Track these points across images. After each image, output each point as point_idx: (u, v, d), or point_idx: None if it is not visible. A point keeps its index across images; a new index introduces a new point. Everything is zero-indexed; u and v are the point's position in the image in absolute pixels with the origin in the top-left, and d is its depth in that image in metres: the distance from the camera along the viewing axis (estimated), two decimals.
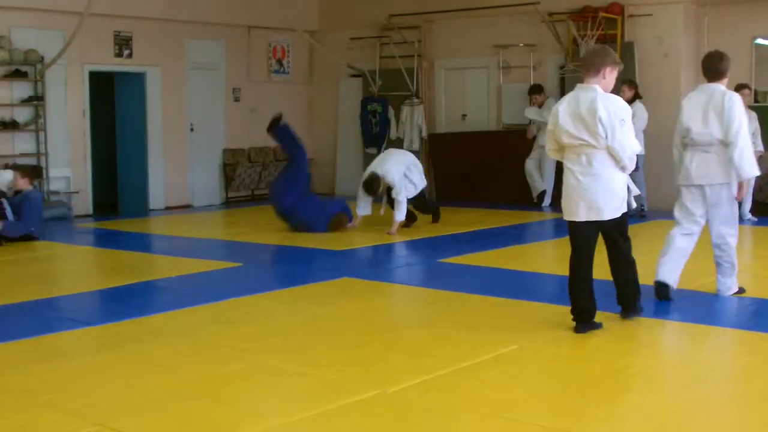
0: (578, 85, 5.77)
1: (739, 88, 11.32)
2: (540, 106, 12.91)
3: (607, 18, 12.52)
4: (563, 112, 5.69)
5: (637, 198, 11.71)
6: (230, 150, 14.66)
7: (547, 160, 12.94)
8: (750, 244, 10.24)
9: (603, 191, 5.68)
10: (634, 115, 11.32)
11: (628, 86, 11.51)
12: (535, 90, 12.97)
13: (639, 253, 9.58)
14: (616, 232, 5.91)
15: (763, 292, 7.01)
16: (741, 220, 11.22)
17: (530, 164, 13.04)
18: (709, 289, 7.14)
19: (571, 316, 5.76)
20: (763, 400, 4.45)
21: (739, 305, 6.74)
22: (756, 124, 11.28)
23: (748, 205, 11.41)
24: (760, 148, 11.41)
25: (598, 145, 5.63)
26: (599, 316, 6.10)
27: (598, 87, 5.64)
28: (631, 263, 6.03)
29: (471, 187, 13.94)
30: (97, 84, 13.44)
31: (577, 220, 5.75)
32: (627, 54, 12.53)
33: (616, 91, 11.53)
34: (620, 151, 5.63)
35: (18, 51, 12.04)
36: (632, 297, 5.95)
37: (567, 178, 5.80)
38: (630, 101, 11.46)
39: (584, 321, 5.69)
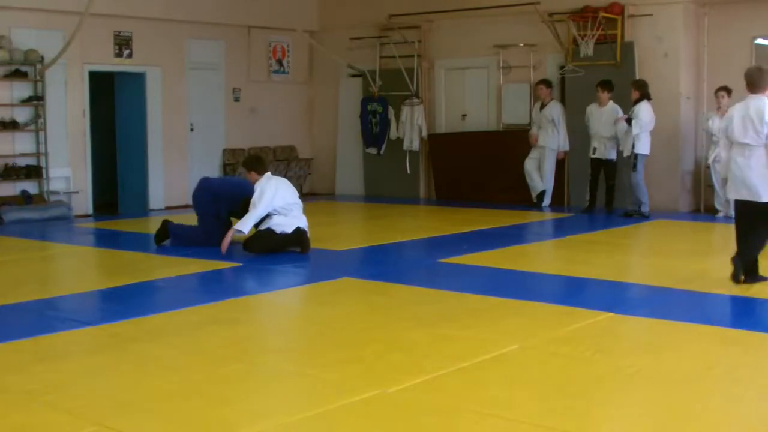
0: (749, 96, 7.18)
1: (717, 91, 11.48)
2: (544, 102, 12.92)
3: (607, 18, 12.52)
4: (737, 116, 7.17)
5: (636, 199, 11.84)
6: (230, 150, 14.67)
7: (547, 160, 12.96)
8: None
9: (760, 179, 7.09)
10: (636, 116, 11.47)
11: (635, 87, 11.56)
12: (545, 83, 13.00)
13: (640, 254, 9.63)
14: (764, 214, 7.17)
15: (762, 292, 7.01)
16: (730, 218, 11.36)
17: (529, 164, 13.04)
18: (709, 289, 7.14)
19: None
20: (763, 399, 4.45)
21: (739, 305, 6.75)
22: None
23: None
24: None
25: (758, 143, 7.07)
26: (594, 316, 6.12)
27: (765, 98, 7.08)
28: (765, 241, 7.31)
29: (471, 187, 13.95)
30: (97, 84, 13.44)
31: (740, 198, 7.27)
32: (627, 54, 12.55)
33: (625, 93, 11.79)
34: None
35: (18, 51, 12.05)
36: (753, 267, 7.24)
37: (733, 167, 7.24)
38: (636, 102, 11.52)
39: (737, 272, 7.09)
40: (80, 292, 7.36)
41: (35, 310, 6.60)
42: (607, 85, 12.03)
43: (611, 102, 11.99)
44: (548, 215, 12.38)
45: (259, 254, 8.82)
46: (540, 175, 13.01)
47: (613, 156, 11.97)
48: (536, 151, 13.00)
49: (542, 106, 12.93)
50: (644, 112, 11.44)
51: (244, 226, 8.84)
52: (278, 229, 8.94)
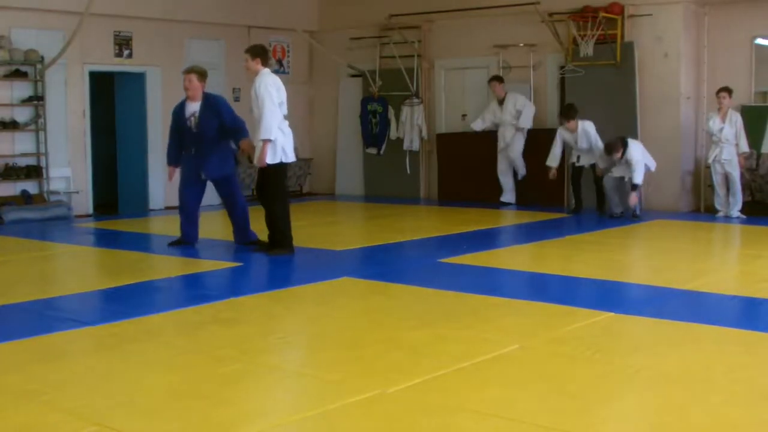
0: None
1: (718, 92, 11.48)
2: (500, 98, 13.19)
3: (607, 18, 12.52)
4: None
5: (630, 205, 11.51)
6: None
7: (515, 144, 13.14)
8: (743, 243, 10.26)
9: None
10: (633, 168, 11.21)
11: (620, 146, 11.35)
12: (498, 79, 13.30)
13: (640, 254, 9.62)
14: None
15: (762, 292, 7.01)
16: (729, 218, 11.41)
17: (503, 165, 13.33)
18: (709, 289, 7.14)
19: None
20: (763, 399, 4.45)
21: (738, 305, 6.75)
22: (738, 126, 11.40)
23: (738, 205, 11.49)
24: (745, 149, 11.49)
25: None
26: (594, 316, 6.11)
27: None
28: None
29: (474, 187, 13.94)
30: (97, 84, 13.44)
31: None
32: (627, 54, 12.55)
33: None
34: None
35: (18, 51, 12.05)
36: None
37: None
38: (622, 155, 11.33)
39: None
40: (80, 292, 7.36)
41: (35, 310, 6.59)
42: (571, 111, 11.97)
43: (581, 123, 11.96)
44: (548, 215, 12.36)
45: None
46: (512, 170, 13.36)
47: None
48: (504, 153, 13.28)
49: (500, 103, 13.19)
50: (637, 153, 11.26)
51: (270, 132, 8.63)
52: (286, 158, 8.76)
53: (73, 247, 10.05)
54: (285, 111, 8.91)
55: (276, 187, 8.83)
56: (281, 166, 8.80)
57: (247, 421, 4.17)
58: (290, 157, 8.86)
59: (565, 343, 5.45)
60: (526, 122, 13.12)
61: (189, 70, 9.31)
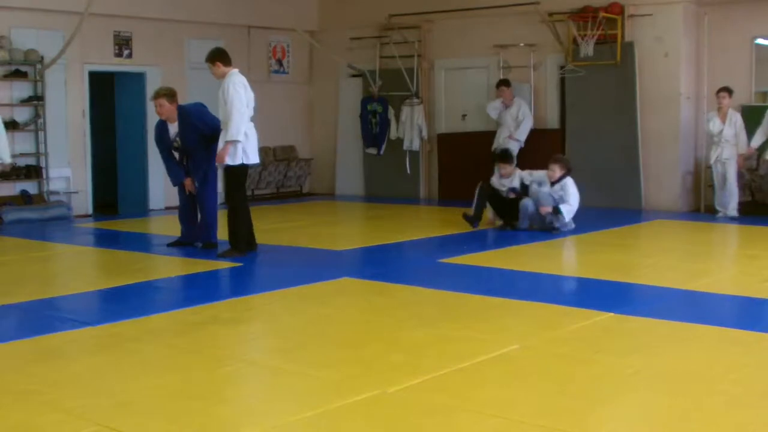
0: None
1: (718, 92, 11.48)
2: (507, 103, 13.10)
3: (607, 18, 12.53)
4: None
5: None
6: None
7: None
8: (743, 244, 10.26)
9: None
10: (566, 199, 10.47)
11: (562, 165, 10.67)
12: (508, 83, 13.22)
13: (640, 254, 9.61)
14: None
15: (762, 292, 7.01)
16: (726, 218, 11.40)
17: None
18: (709, 289, 7.14)
19: None
20: (763, 400, 4.45)
21: (739, 305, 6.75)
22: (738, 126, 11.40)
23: (734, 203, 11.49)
24: (744, 149, 11.50)
25: None
26: (594, 316, 6.11)
27: None
28: None
29: (471, 187, 13.90)
30: (97, 84, 13.44)
31: None
32: (627, 54, 12.55)
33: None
34: None
35: (18, 51, 12.05)
36: None
37: None
38: (559, 179, 10.54)
39: None
40: (80, 292, 7.36)
41: (35, 310, 6.60)
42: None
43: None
44: None
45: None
46: None
47: None
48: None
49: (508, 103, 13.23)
50: (573, 187, 10.46)
51: (237, 134, 8.46)
52: (247, 160, 8.68)
53: (72, 248, 10.05)
54: (252, 112, 8.79)
55: (233, 188, 8.81)
56: (242, 168, 8.79)
57: (247, 421, 4.17)
58: (251, 159, 8.80)
59: (565, 343, 5.45)
60: (521, 135, 13.10)
61: (156, 95, 9.20)
